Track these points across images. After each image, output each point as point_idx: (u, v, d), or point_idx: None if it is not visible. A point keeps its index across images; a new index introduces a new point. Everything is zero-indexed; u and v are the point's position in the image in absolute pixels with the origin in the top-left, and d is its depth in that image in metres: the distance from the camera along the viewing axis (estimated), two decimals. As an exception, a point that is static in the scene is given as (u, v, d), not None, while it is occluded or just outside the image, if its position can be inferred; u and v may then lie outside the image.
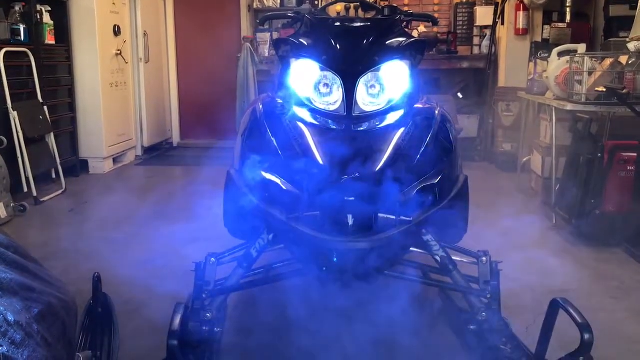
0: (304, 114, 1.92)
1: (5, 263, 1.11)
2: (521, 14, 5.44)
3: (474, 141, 5.76)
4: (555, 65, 3.79)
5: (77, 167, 5.03)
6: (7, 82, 3.98)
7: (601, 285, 2.67)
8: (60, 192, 4.38)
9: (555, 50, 3.89)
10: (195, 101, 6.81)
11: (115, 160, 5.48)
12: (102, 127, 5.13)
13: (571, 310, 1.55)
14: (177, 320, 1.62)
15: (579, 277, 2.76)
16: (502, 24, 5.69)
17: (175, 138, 6.95)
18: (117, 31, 5.35)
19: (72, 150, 5.00)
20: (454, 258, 1.90)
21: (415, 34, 5.81)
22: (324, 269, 1.85)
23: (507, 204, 3.97)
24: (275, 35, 6.05)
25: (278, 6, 6.61)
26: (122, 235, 3.36)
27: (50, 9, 4.62)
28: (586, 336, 1.48)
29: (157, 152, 6.39)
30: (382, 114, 1.91)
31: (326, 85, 1.90)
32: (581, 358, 1.49)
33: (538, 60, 4.44)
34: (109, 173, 5.25)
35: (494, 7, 5.82)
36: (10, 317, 0.97)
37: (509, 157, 5.11)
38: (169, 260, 2.89)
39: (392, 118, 1.92)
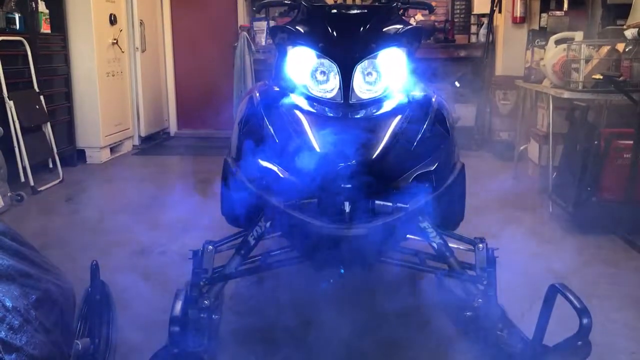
0: (301, 101, 1.92)
1: (2, 250, 1.11)
2: (518, 2, 5.43)
3: (471, 130, 5.76)
4: (553, 53, 3.79)
5: (74, 156, 5.01)
6: (3, 71, 3.96)
7: (597, 272, 2.68)
8: (57, 181, 4.38)
9: (553, 38, 3.89)
10: (192, 91, 6.79)
11: (112, 150, 5.47)
12: (99, 117, 5.12)
13: (569, 296, 1.56)
14: (178, 307, 1.63)
15: (575, 264, 2.76)
16: (500, 12, 5.68)
17: (173, 127, 6.94)
18: (113, 20, 5.33)
19: (69, 140, 4.98)
20: (450, 245, 1.91)
21: (412, 22, 5.79)
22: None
23: (503, 192, 3.98)
24: (272, 24, 6.02)
25: (275, -6, 6.56)
26: (119, 224, 3.36)
27: (45, -3, 4.60)
28: (585, 321, 1.48)
29: (154, 142, 6.38)
30: (379, 101, 1.91)
31: (323, 72, 1.89)
32: (579, 342, 1.50)
33: (535, 49, 4.44)
34: (106, 163, 5.24)
35: (491, -5, 5.80)
36: (8, 303, 0.97)
37: (506, 146, 5.11)
38: (166, 249, 2.90)
39: (389, 105, 1.92)
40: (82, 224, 3.43)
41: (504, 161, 4.99)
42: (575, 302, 1.54)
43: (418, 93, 2.02)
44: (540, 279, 2.44)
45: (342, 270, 2.08)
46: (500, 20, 5.70)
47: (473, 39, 6.18)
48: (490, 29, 5.71)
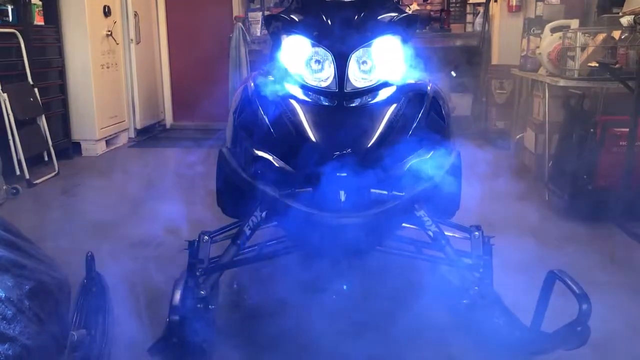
0: (296, 90, 1.91)
1: (-5, 240, 1.10)
2: (514, -10, 5.41)
3: (467, 119, 5.75)
4: (548, 41, 3.78)
5: (69, 149, 5.00)
6: (-4, 64, 3.95)
7: (594, 260, 2.69)
8: (52, 174, 4.36)
9: (548, 26, 3.88)
10: (188, 82, 6.77)
11: (108, 143, 5.46)
12: (94, 109, 5.10)
13: (568, 281, 1.56)
14: (177, 296, 1.64)
15: (571, 252, 2.77)
16: (495, 1, 5.66)
17: (168, 120, 6.92)
18: (107, 12, 5.30)
19: (64, 133, 4.97)
20: (446, 233, 1.90)
21: (407, 11, 5.77)
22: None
23: (499, 180, 3.97)
24: (267, 14, 5.99)
25: (269, -16, 6.53)
26: (115, 216, 3.35)
27: (38, -12, 4.57)
28: (584, 306, 1.49)
29: (150, 134, 6.36)
30: (374, 89, 1.90)
31: (317, 61, 1.88)
32: (579, 328, 1.50)
33: (531, 37, 4.43)
34: (101, 155, 5.23)
35: (487, -16, 5.78)
36: (1, 293, 0.97)
37: (502, 135, 5.11)
38: (162, 240, 2.90)
39: (384, 94, 1.90)
40: (78, 217, 3.42)
41: (500, 150, 4.98)
42: (574, 288, 1.54)
43: (413, 81, 2.01)
44: (536, 266, 2.44)
45: (345, 287, 2.10)
46: (496, 9, 5.68)
47: (469, 28, 6.16)
48: (486, 18, 5.69)
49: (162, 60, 6.74)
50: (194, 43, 6.69)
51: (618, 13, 3.55)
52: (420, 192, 1.77)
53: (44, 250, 1.35)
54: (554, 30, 3.82)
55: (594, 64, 3.27)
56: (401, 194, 1.73)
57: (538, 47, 4.02)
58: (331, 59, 1.85)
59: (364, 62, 1.88)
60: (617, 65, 3.08)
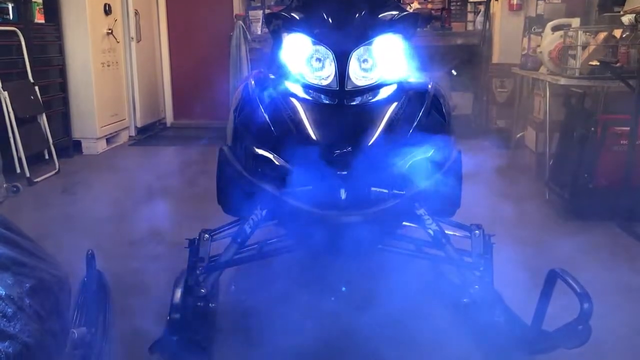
0: (296, 89, 1.91)
1: (-5, 238, 1.10)
2: (515, -11, 5.41)
3: (468, 118, 5.75)
4: (549, 39, 3.78)
5: (70, 147, 5.00)
6: (-3, 62, 3.95)
7: (594, 259, 2.68)
8: (53, 172, 4.36)
9: (549, 25, 3.88)
10: (188, 81, 6.76)
11: (108, 141, 5.46)
12: (95, 108, 5.10)
13: (570, 280, 1.56)
14: (178, 295, 1.64)
15: (571, 251, 2.76)
16: (496, -1, 5.66)
17: (169, 118, 6.91)
18: (107, 10, 5.29)
19: (65, 131, 4.96)
20: (447, 232, 1.90)
21: (408, 9, 5.76)
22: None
23: (500, 179, 3.98)
24: (268, 12, 5.99)
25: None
26: (115, 214, 3.35)
27: (38, -13, 4.56)
28: (585, 305, 1.49)
29: (151, 132, 6.35)
30: (375, 88, 1.89)
31: (318, 59, 1.87)
32: (580, 327, 1.50)
33: (532, 36, 4.43)
34: (102, 153, 5.23)
35: (487, -18, 5.77)
36: (1, 291, 0.97)
37: (503, 134, 5.11)
38: (162, 238, 2.90)
39: (385, 92, 1.90)
40: (78, 215, 3.42)
41: (501, 149, 4.98)
42: (576, 287, 1.54)
43: (414, 80, 2.01)
44: (537, 265, 2.44)
45: (344, 288, 2.09)
46: (497, 7, 5.68)
47: (470, 26, 6.16)
48: (487, 17, 5.68)
49: (162, 59, 6.74)
50: (195, 41, 6.69)
51: (619, 12, 3.55)
52: (420, 190, 1.77)
53: (44, 248, 1.35)
54: (555, 28, 3.82)
55: (595, 62, 3.27)
56: (402, 192, 1.73)
57: (539, 45, 4.02)
58: (332, 57, 1.85)
59: (365, 61, 1.88)
60: (618, 64, 3.08)
